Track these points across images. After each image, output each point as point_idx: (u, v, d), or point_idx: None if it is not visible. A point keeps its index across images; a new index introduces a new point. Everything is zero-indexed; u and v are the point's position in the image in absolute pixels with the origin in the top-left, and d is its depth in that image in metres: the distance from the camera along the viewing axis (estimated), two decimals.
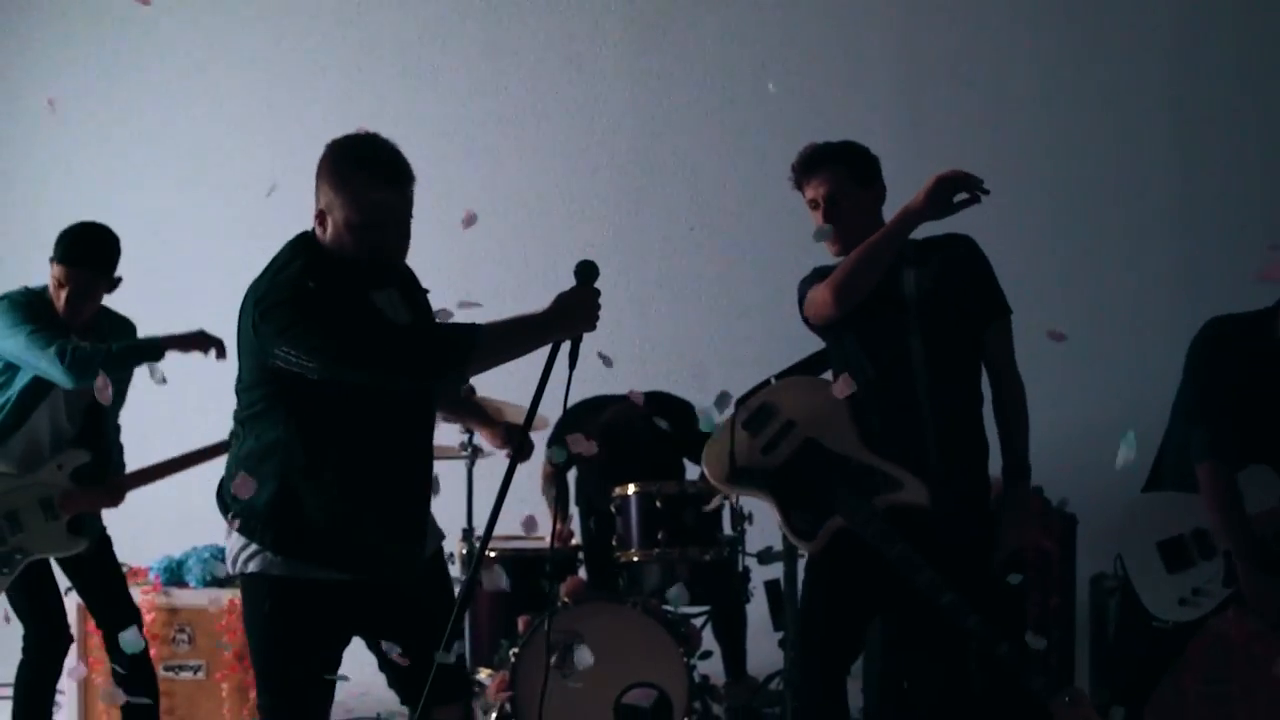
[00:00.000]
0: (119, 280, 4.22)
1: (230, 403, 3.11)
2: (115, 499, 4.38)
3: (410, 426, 3.08)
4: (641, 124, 6.79)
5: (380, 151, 3.00)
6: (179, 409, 5.46)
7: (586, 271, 2.96)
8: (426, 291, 3.28)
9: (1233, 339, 3.80)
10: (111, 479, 4.38)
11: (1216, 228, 6.12)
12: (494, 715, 4.60)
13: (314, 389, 2.91)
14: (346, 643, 3.13)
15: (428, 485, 3.15)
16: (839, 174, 3.50)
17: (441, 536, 3.31)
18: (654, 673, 4.49)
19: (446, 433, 5.15)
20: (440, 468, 5.11)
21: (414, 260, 3.18)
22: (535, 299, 3.02)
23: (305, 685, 3.04)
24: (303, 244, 3.05)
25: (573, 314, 2.93)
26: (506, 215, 6.60)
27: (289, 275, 2.96)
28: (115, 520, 5.74)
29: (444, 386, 3.27)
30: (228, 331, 3.33)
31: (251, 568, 3.03)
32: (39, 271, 4.26)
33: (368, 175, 2.95)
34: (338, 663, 3.10)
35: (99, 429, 4.34)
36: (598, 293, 2.95)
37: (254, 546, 3.02)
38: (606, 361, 3.11)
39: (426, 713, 2.92)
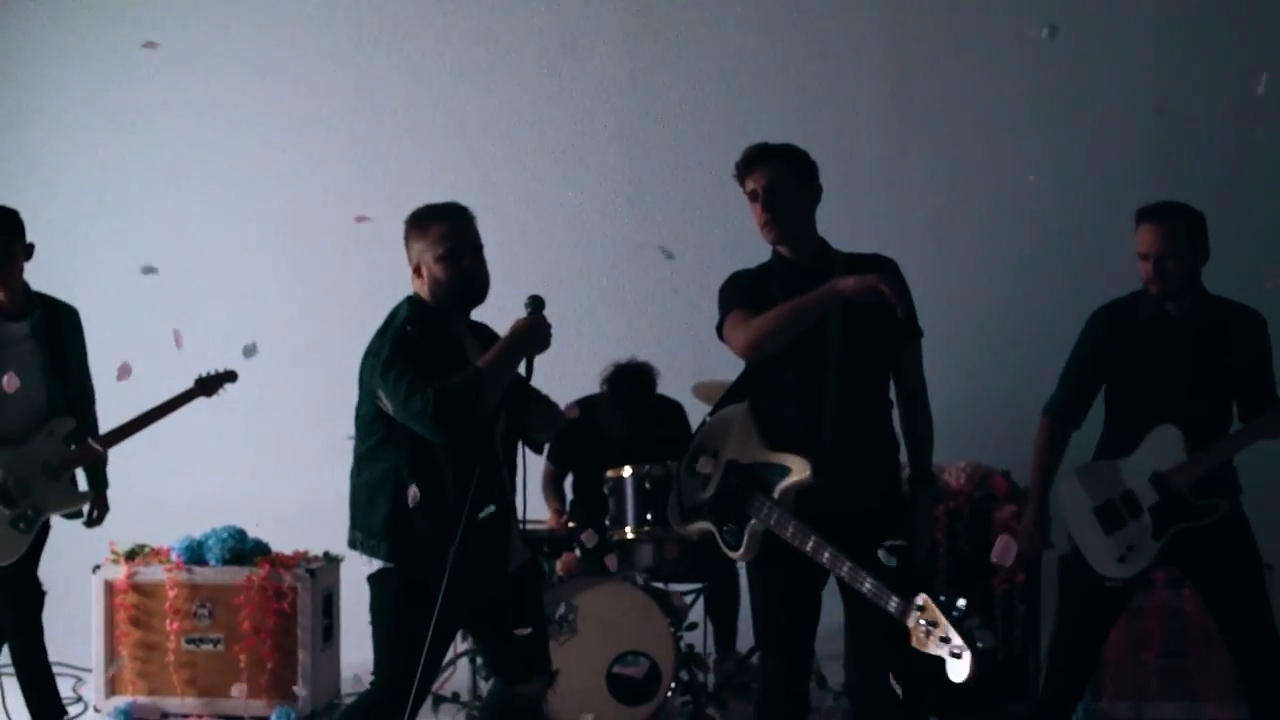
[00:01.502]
0: (32, 246, 4.67)
1: None
2: (90, 454, 4.80)
3: (488, 458, 3.53)
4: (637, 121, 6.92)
5: (438, 203, 3.68)
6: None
7: (536, 303, 3.56)
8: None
9: (1106, 323, 4.18)
10: (96, 437, 4.81)
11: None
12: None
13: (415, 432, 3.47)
14: (454, 634, 3.76)
15: (507, 507, 3.63)
16: (779, 167, 3.71)
17: (528, 555, 3.79)
18: (644, 643, 4.78)
19: None
20: None
21: None
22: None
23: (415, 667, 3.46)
24: (407, 301, 3.67)
25: (532, 338, 3.52)
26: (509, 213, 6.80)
27: (395, 327, 3.58)
28: (143, 503, 6.04)
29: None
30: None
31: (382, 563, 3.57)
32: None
33: (436, 217, 3.63)
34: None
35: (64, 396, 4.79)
36: (545, 319, 3.53)
37: (376, 561, 3.57)
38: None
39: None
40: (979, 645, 3.19)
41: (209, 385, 5.01)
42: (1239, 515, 4.09)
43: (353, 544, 3.61)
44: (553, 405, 3.71)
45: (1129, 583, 4.14)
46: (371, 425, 3.58)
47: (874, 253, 3.80)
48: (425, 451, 3.50)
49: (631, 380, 5.57)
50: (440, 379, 3.39)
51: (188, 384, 5.02)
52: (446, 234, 3.59)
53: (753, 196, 3.72)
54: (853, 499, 3.60)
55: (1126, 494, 4.07)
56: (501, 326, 3.61)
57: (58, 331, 4.78)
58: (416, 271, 3.64)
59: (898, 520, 3.67)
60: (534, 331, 3.51)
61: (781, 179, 3.69)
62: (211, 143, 6.95)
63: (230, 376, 5.06)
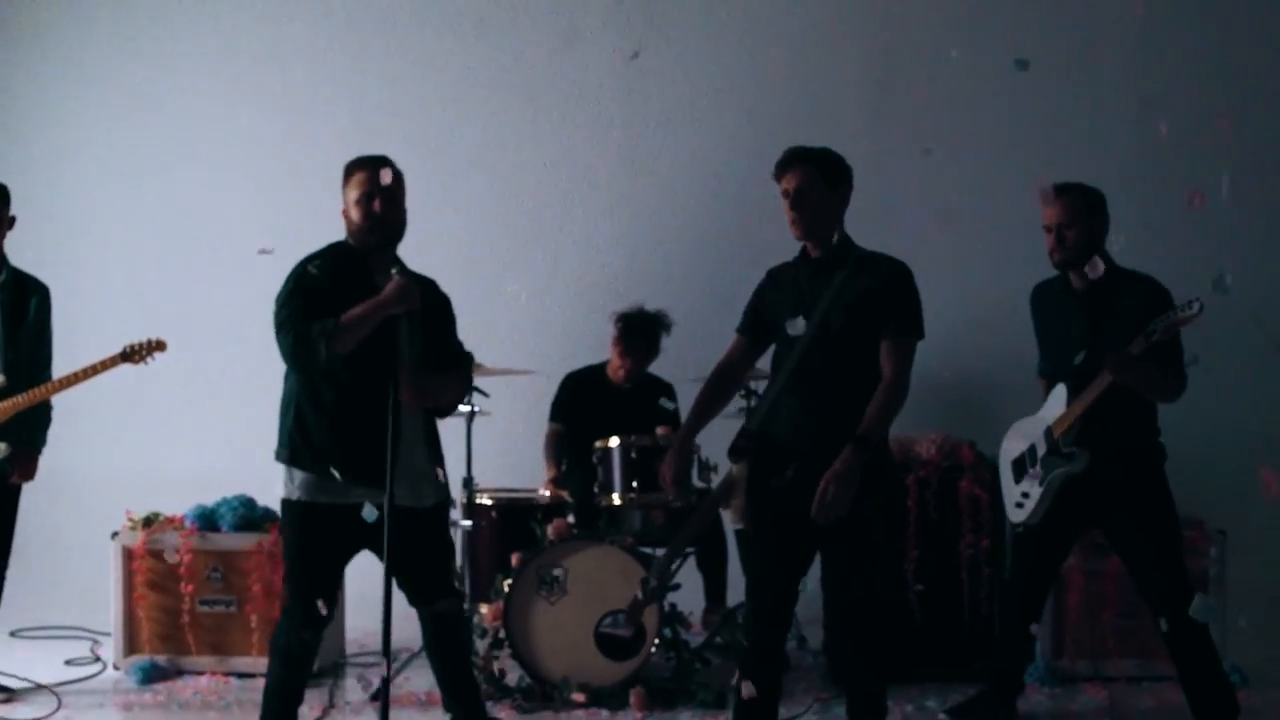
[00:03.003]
0: (13, 219, 5.15)
1: None
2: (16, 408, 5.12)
3: (375, 380, 3.96)
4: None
5: (365, 155, 4.16)
6: None
7: (400, 268, 4.02)
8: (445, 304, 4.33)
9: (1035, 295, 4.71)
10: (19, 397, 5.14)
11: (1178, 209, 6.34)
12: (490, 640, 5.21)
13: None
14: (350, 556, 4.21)
15: (390, 422, 3.93)
16: (810, 172, 4.05)
17: (445, 493, 4.26)
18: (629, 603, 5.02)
19: None
20: (443, 425, 5.71)
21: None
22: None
23: (321, 583, 4.11)
24: (332, 243, 4.18)
25: (398, 299, 3.96)
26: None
27: (303, 259, 4.09)
28: (156, 474, 6.33)
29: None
30: None
31: (286, 495, 4.09)
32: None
33: (358, 165, 4.14)
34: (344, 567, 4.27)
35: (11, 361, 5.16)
36: (410, 282, 3.97)
37: (282, 469, 4.08)
38: None
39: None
40: None
41: (136, 353, 5.18)
42: (1144, 474, 4.38)
43: (277, 451, 4.11)
44: (422, 383, 4.13)
45: (1040, 532, 4.52)
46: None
47: (888, 258, 4.12)
48: (326, 376, 3.98)
49: (642, 316, 5.92)
50: (305, 323, 3.88)
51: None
52: (363, 180, 4.08)
53: (784, 195, 4.07)
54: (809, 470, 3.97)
55: (1031, 447, 4.51)
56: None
57: (22, 301, 5.16)
58: (344, 215, 4.15)
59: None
60: (398, 293, 3.94)
61: (811, 182, 4.04)
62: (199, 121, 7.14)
63: (159, 346, 5.22)
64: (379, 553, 4.00)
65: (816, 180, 4.05)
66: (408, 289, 3.98)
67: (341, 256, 4.13)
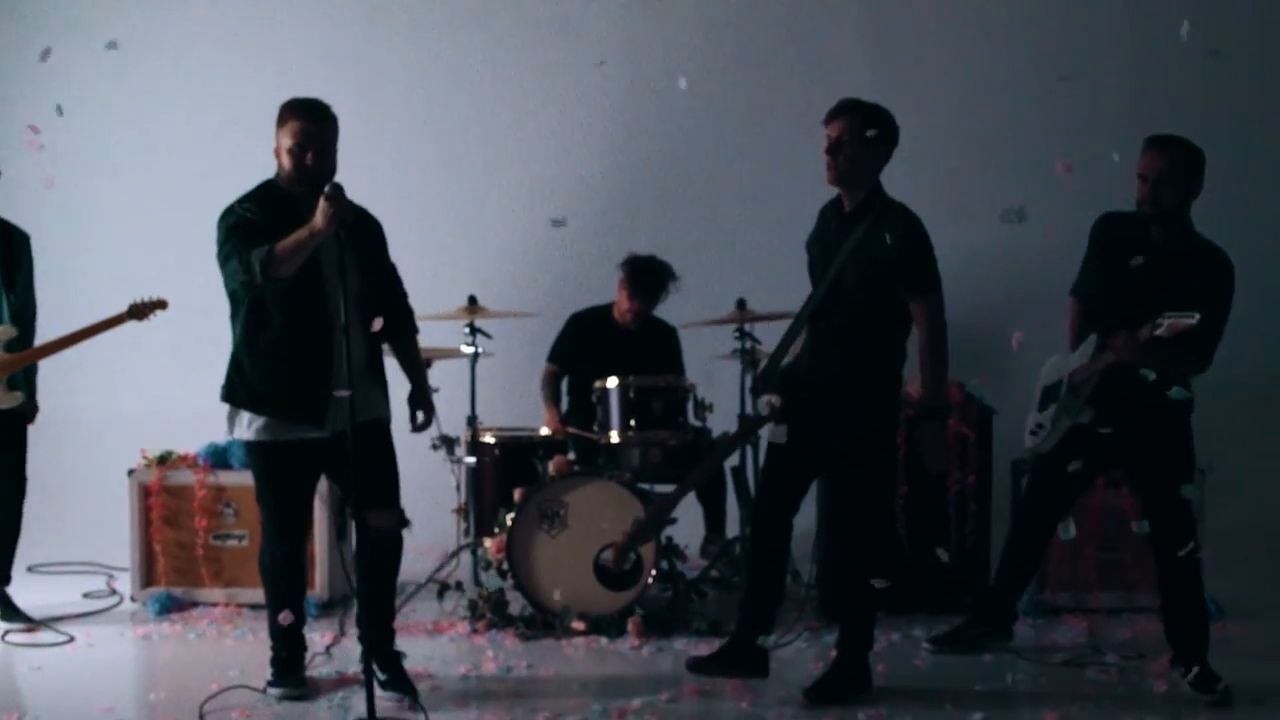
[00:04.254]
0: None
1: None
2: (23, 361, 5.36)
3: (311, 316, 4.17)
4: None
5: (304, 99, 4.24)
6: None
7: (335, 189, 3.98)
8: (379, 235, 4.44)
9: (1101, 226, 4.65)
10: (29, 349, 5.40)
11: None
12: (494, 571, 5.40)
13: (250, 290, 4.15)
14: (316, 478, 4.46)
15: (329, 357, 4.16)
16: (852, 123, 4.27)
17: (382, 409, 4.38)
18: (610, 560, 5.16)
19: (452, 334, 5.90)
20: (448, 365, 5.89)
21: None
22: None
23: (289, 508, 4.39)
24: (263, 181, 4.30)
25: (330, 220, 3.96)
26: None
27: (232, 203, 4.24)
28: (171, 418, 6.47)
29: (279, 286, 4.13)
30: None
31: (238, 436, 4.35)
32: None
33: (294, 113, 4.21)
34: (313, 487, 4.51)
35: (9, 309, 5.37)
36: (336, 199, 3.97)
37: (229, 411, 4.33)
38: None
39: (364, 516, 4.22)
40: None
41: (140, 311, 5.44)
42: (1162, 426, 4.43)
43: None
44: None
45: (1052, 462, 4.64)
46: (227, 290, 4.29)
47: (901, 203, 4.34)
48: (261, 310, 4.17)
49: (650, 260, 6.06)
50: (247, 250, 4.02)
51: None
52: (297, 132, 4.17)
53: (826, 142, 4.29)
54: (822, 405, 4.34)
55: (1057, 383, 4.62)
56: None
57: (10, 250, 5.35)
58: (276, 154, 4.25)
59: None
60: (326, 218, 3.95)
61: (851, 133, 4.26)
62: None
63: (161, 304, 5.48)
64: (332, 476, 4.42)
65: (857, 132, 4.25)
66: (334, 209, 3.96)
67: (272, 196, 4.24)
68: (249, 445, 4.35)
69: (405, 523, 4.36)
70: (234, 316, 4.31)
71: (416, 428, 4.53)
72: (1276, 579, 5.99)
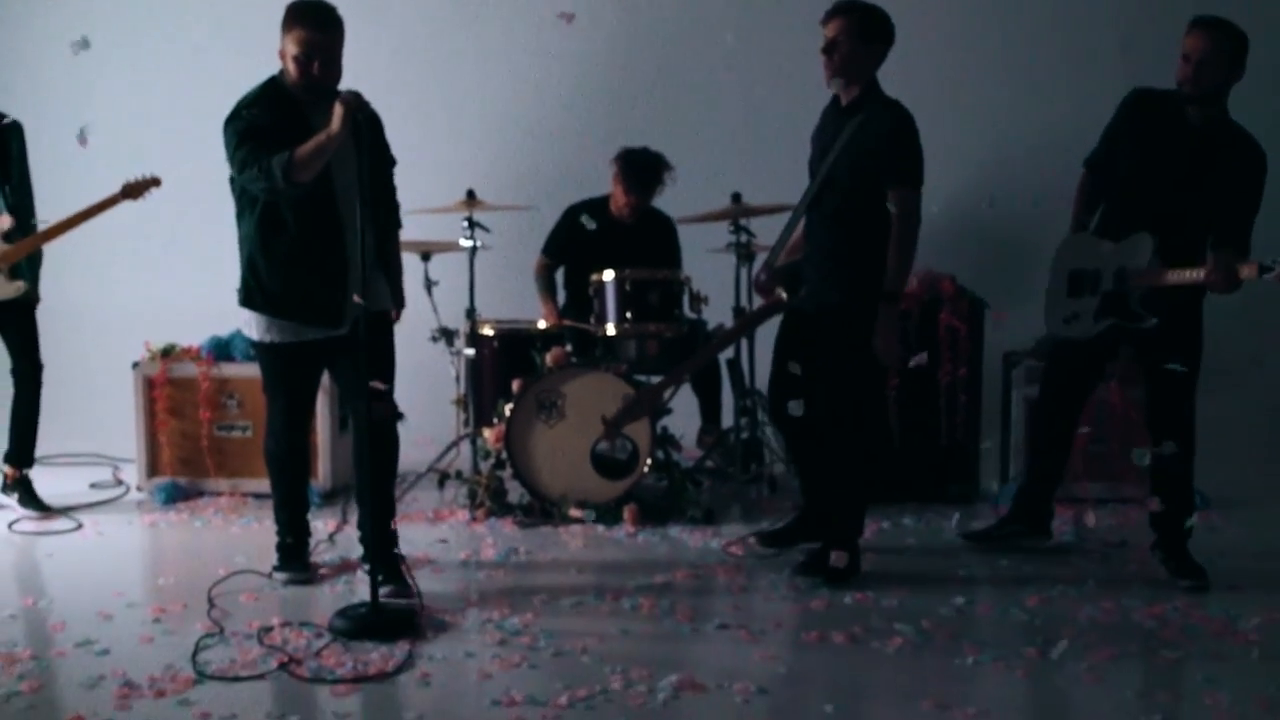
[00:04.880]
0: None
1: None
2: (20, 253, 5.41)
3: (323, 219, 4.18)
4: None
5: (310, 4, 4.16)
6: None
7: (353, 100, 3.96)
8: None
9: (1133, 100, 4.57)
10: (25, 237, 5.43)
11: None
12: (493, 460, 5.51)
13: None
14: (321, 372, 4.55)
15: (344, 259, 4.16)
16: (847, 24, 4.38)
17: (386, 301, 4.38)
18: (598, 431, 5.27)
19: (450, 228, 5.94)
20: (447, 259, 5.92)
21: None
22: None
23: (298, 403, 4.51)
24: (267, 81, 4.25)
25: (344, 124, 3.95)
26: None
27: (239, 106, 4.19)
28: (172, 307, 6.53)
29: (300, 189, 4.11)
30: None
31: (253, 336, 4.36)
32: None
33: (301, 21, 4.14)
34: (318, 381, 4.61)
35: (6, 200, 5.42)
36: (352, 101, 3.95)
37: (243, 311, 4.33)
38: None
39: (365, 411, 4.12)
40: None
41: (134, 190, 5.46)
42: (1186, 319, 4.46)
43: (237, 291, 4.35)
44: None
45: (1089, 353, 4.65)
46: (233, 186, 4.28)
47: (895, 99, 4.44)
48: (274, 214, 4.17)
49: (644, 154, 6.07)
50: (266, 156, 4.01)
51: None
52: (302, 40, 4.12)
53: (823, 41, 4.42)
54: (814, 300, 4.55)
55: (1095, 272, 4.54)
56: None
57: (3, 141, 5.37)
58: (281, 57, 4.20)
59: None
60: (342, 123, 3.94)
61: (845, 34, 4.39)
62: None
63: (154, 182, 5.49)
64: (333, 368, 4.47)
65: (852, 32, 4.38)
66: (350, 111, 3.94)
67: (277, 99, 4.19)
68: (257, 345, 4.39)
69: (399, 415, 4.43)
70: (241, 215, 4.31)
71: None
72: (1262, 470, 6.12)
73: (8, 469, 5.64)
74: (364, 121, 4.00)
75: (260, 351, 4.43)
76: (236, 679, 3.57)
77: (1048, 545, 4.96)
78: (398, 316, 4.50)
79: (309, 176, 4.04)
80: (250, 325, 4.35)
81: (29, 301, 5.52)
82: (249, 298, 4.31)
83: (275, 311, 4.27)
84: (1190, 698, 3.52)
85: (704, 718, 3.32)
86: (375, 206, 4.22)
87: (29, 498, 5.59)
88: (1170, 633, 4.00)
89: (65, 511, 5.54)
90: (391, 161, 4.46)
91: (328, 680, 3.56)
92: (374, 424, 4.17)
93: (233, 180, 4.27)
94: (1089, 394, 4.86)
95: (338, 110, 3.94)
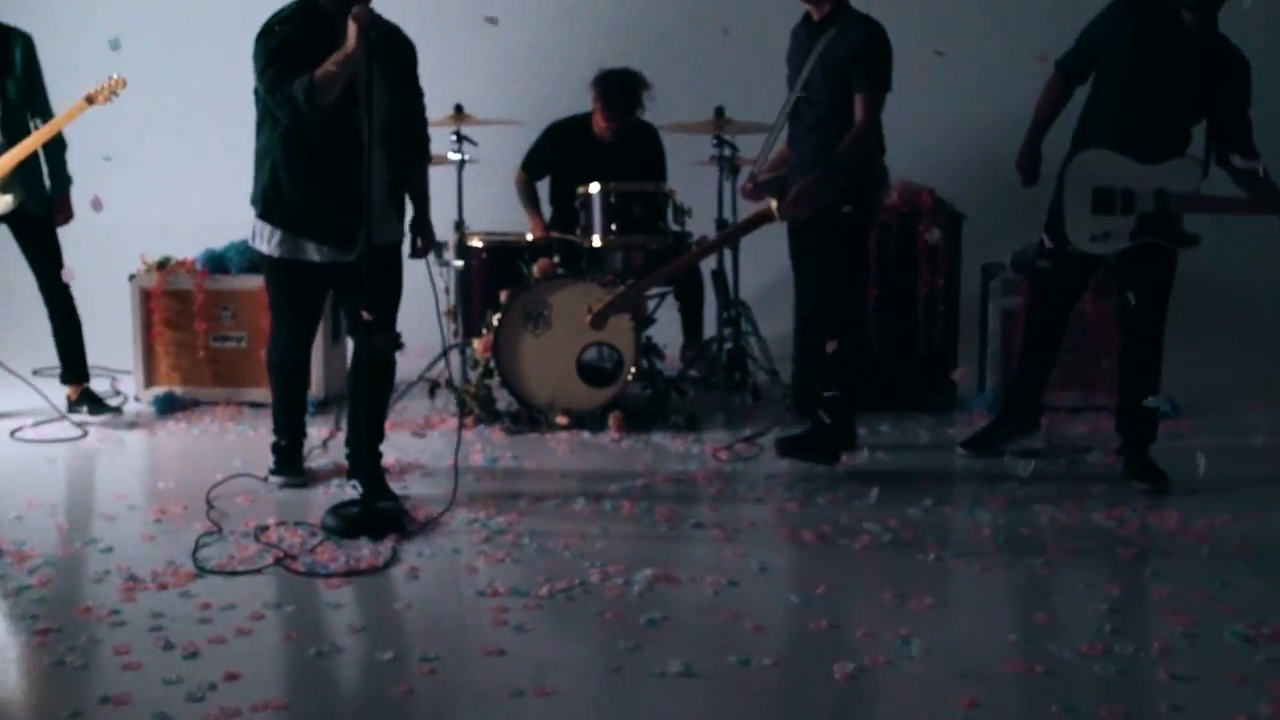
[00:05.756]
0: None
1: None
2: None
3: (346, 142, 4.16)
4: None
5: None
6: None
7: (362, 10, 3.98)
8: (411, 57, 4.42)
9: (1141, 12, 4.57)
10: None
11: None
12: (481, 369, 5.66)
13: None
14: (326, 294, 4.63)
15: (360, 182, 4.10)
16: None
17: (397, 233, 4.46)
18: (609, 336, 5.45)
19: (438, 142, 6.01)
20: (436, 172, 6.01)
21: None
22: None
23: (302, 321, 4.55)
24: (296, 1, 4.24)
25: (357, 40, 3.97)
26: None
27: (270, 22, 4.18)
28: (167, 221, 6.62)
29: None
30: None
31: (263, 250, 4.39)
32: None
33: None
34: (323, 303, 4.67)
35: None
36: (364, 14, 3.97)
37: (258, 223, 4.37)
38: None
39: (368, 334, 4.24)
40: None
41: (97, 95, 5.46)
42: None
43: (252, 201, 4.39)
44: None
45: (1085, 263, 4.77)
46: (257, 98, 4.29)
47: (866, 14, 4.61)
48: (299, 137, 4.19)
49: (620, 76, 6.12)
50: (291, 80, 4.03)
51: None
52: None
53: None
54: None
55: (1128, 191, 4.59)
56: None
57: (5, 53, 5.41)
58: None
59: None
60: (358, 39, 3.96)
61: None
62: None
63: (120, 84, 5.47)
64: (340, 295, 4.54)
65: None
66: (362, 27, 3.96)
67: (310, 16, 4.20)
68: (266, 259, 4.44)
69: (399, 345, 4.51)
70: (262, 125, 4.32)
71: (415, 253, 4.59)
72: (1231, 379, 6.28)
73: (69, 389, 5.79)
74: (378, 39, 4.06)
75: (269, 267, 4.46)
76: (234, 574, 3.76)
77: (1033, 443, 5.13)
78: (427, 248, 4.56)
79: (330, 98, 4.06)
80: (262, 238, 4.39)
81: (39, 217, 5.59)
82: (267, 210, 4.35)
83: (291, 227, 4.32)
84: (1137, 590, 3.71)
85: (676, 607, 3.50)
86: (395, 131, 4.29)
87: (99, 406, 5.75)
88: (1127, 531, 4.18)
89: (117, 409, 5.77)
90: (419, 93, 4.48)
91: (321, 574, 3.75)
92: (374, 354, 4.28)
93: (257, 91, 4.26)
94: (1077, 301, 5.03)
95: (351, 29, 3.98)
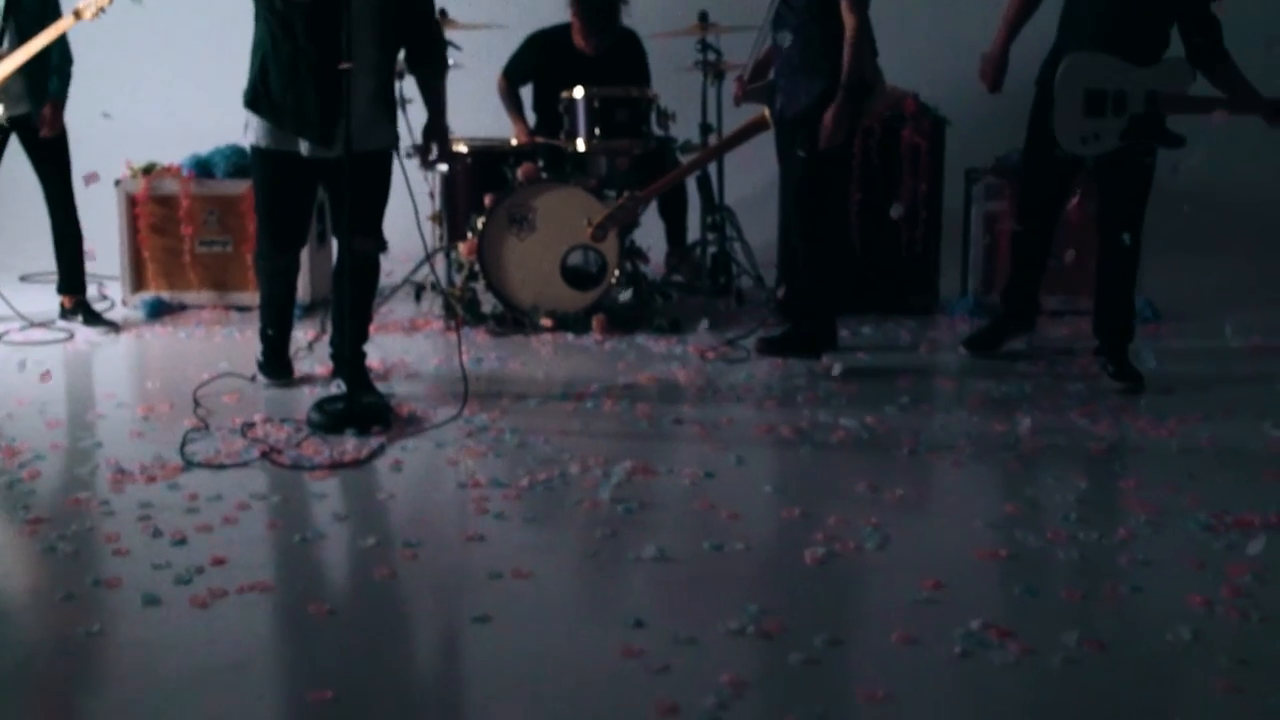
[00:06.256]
0: None
1: None
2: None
3: (331, 36, 4.10)
4: None
5: None
6: None
7: None
8: None
9: None
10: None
11: None
12: (466, 273, 5.70)
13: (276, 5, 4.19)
14: (314, 193, 4.60)
15: (340, 80, 4.10)
16: None
17: (386, 139, 4.44)
18: (585, 234, 5.42)
19: None
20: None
21: None
22: None
23: (287, 218, 4.53)
24: None
25: None
26: None
27: None
28: (152, 128, 6.62)
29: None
30: None
31: (250, 141, 4.39)
32: None
33: None
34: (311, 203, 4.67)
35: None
36: None
37: (247, 113, 4.36)
38: None
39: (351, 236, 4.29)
40: None
41: (84, 10, 5.41)
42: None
43: (244, 92, 4.38)
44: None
45: (1073, 165, 4.81)
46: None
47: None
48: (287, 22, 4.19)
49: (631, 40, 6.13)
50: None
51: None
52: None
53: None
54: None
55: (1120, 93, 4.62)
56: None
57: None
58: None
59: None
60: None
61: None
62: None
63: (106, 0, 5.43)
64: (328, 194, 4.51)
65: None
66: None
67: None
68: (253, 150, 4.43)
69: (383, 246, 4.54)
70: (257, 18, 4.32)
71: (427, 162, 4.62)
72: (1212, 286, 6.34)
73: (63, 298, 5.81)
74: None
75: (254, 159, 4.47)
76: (221, 467, 3.83)
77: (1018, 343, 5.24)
78: (440, 153, 4.57)
79: None
80: (250, 129, 4.39)
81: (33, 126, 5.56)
82: (254, 100, 4.35)
83: (273, 116, 4.32)
84: (1105, 483, 3.79)
85: (653, 497, 3.58)
86: (387, 35, 4.29)
87: (93, 317, 5.78)
88: (1100, 428, 4.26)
89: (118, 326, 5.75)
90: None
91: (306, 467, 3.82)
92: (355, 255, 4.31)
93: None
94: (1063, 204, 5.07)
95: None
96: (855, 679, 2.57)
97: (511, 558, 3.13)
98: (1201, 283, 6.36)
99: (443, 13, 5.83)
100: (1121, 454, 4.04)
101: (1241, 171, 6.90)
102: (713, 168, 6.08)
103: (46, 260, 6.10)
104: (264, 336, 4.74)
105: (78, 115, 6.76)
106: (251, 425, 4.20)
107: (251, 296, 5.88)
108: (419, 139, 5.82)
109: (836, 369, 4.77)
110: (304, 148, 4.33)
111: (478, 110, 6.43)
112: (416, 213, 4.38)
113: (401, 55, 4.52)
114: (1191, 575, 3.06)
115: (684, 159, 6.02)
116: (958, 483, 3.79)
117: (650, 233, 6.07)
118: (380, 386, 4.57)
